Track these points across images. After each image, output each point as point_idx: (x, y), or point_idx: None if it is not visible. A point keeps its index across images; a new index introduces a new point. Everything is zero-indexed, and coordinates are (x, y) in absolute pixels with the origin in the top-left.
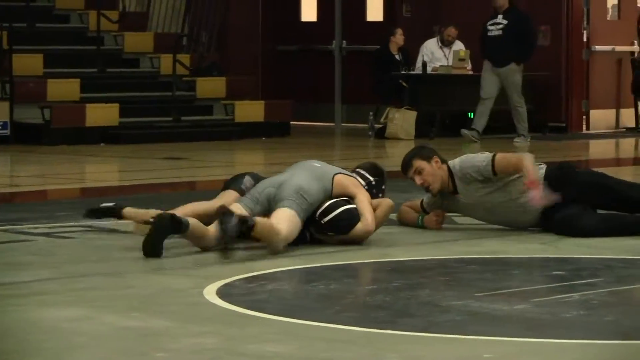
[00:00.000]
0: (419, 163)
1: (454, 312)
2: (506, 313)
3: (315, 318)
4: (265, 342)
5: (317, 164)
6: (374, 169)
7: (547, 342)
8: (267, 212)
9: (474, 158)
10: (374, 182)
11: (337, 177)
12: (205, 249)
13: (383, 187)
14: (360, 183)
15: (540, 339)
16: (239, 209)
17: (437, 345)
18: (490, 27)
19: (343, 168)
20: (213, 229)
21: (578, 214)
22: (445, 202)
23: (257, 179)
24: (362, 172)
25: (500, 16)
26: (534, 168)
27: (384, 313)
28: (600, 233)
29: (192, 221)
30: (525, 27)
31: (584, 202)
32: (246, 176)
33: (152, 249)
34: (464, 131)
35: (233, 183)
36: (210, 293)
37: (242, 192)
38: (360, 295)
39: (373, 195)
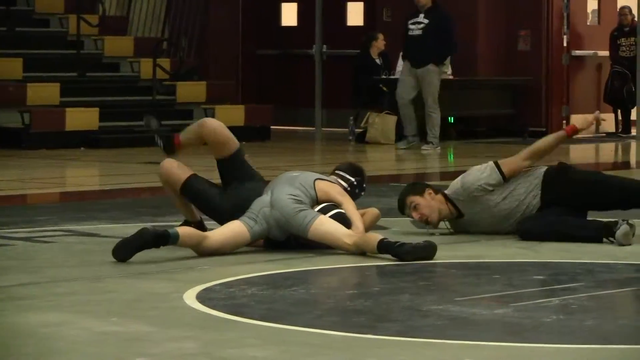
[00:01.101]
0: (412, 198)
1: (434, 316)
2: (486, 318)
3: (295, 322)
4: (245, 347)
5: (294, 173)
6: (354, 169)
7: (527, 346)
8: (266, 231)
9: (473, 174)
10: (355, 183)
11: (319, 183)
12: (202, 254)
13: (364, 185)
14: (342, 185)
15: (520, 344)
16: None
17: (417, 350)
18: (411, 26)
19: (323, 173)
20: (213, 236)
21: (529, 217)
22: (454, 227)
23: None
24: (342, 173)
25: (421, 15)
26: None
27: (364, 317)
28: (535, 236)
29: (184, 231)
30: (446, 27)
31: (578, 200)
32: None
33: (121, 255)
34: (425, 147)
35: None
36: (190, 297)
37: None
38: (340, 300)
39: (355, 195)
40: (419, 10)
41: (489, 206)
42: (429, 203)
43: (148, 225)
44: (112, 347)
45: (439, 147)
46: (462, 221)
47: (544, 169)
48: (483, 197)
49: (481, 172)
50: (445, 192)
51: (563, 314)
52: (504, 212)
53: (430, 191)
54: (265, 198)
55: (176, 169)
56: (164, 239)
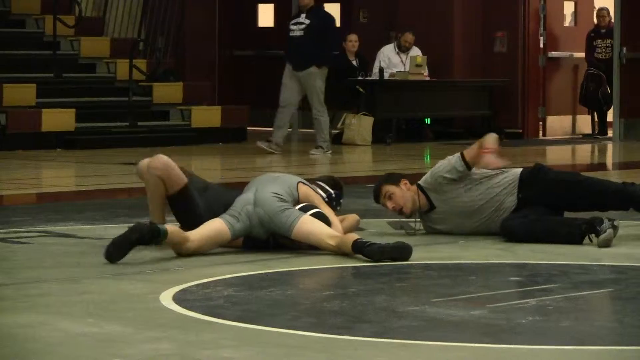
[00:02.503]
0: (388, 188)
1: (410, 317)
2: (462, 319)
3: (271, 324)
4: (221, 348)
5: (275, 174)
6: (333, 182)
7: (503, 347)
8: (248, 229)
9: (442, 163)
10: (334, 195)
11: (302, 186)
12: (181, 254)
13: (341, 200)
14: (322, 195)
15: (496, 345)
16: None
17: (393, 351)
18: (292, 27)
19: (299, 175)
20: (194, 236)
21: (511, 217)
22: (425, 223)
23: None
24: (322, 184)
25: (303, 15)
26: (493, 140)
27: (340, 319)
28: (518, 235)
29: (172, 229)
30: (328, 28)
31: (554, 200)
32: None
33: (117, 254)
34: (259, 143)
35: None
36: (166, 298)
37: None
38: (316, 301)
39: (332, 208)
40: (300, 10)
41: (455, 198)
42: (403, 193)
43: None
44: (87, 348)
45: (330, 152)
46: (433, 215)
47: (520, 169)
48: (449, 188)
49: (448, 160)
50: (419, 182)
51: (539, 315)
52: (471, 207)
53: (406, 181)
54: (249, 195)
55: (177, 169)
56: (157, 233)
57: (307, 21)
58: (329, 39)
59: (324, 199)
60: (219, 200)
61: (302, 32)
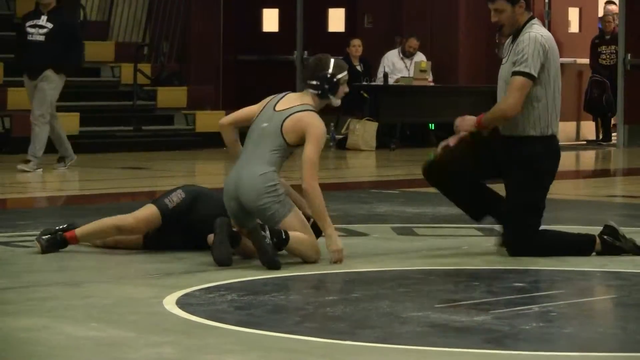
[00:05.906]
0: (504, 5)
1: (413, 323)
2: (466, 324)
3: (274, 328)
4: (224, 353)
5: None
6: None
7: (506, 353)
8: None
9: (530, 51)
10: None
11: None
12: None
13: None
14: (314, 92)
15: (499, 351)
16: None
17: (397, 357)
18: (30, 30)
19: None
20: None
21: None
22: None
23: (190, 192)
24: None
25: (44, 17)
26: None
27: (343, 324)
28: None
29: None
30: (72, 35)
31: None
32: (177, 190)
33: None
34: (22, 167)
35: (160, 198)
36: (169, 303)
37: (164, 207)
38: (319, 306)
39: (326, 99)
40: (40, 10)
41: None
42: (514, 15)
43: None
44: (90, 352)
45: (40, 170)
46: (512, 48)
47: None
48: (512, 54)
49: (527, 53)
50: (533, 22)
51: (542, 321)
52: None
53: (523, 4)
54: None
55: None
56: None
57: (50, 25)
58: (72, 47)
59: (316, 94)
60: (207, 208)
61: (44, 37)
